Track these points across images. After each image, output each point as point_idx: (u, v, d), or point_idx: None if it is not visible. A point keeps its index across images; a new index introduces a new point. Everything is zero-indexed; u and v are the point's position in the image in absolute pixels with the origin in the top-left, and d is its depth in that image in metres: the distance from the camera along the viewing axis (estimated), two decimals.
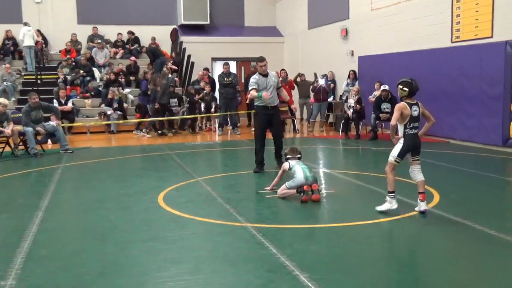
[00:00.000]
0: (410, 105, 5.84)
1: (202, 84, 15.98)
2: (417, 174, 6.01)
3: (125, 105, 16.32)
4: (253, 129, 15.65)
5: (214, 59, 20.75)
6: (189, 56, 18.75)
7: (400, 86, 5.90)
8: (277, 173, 7.22)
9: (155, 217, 5.99)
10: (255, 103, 8.83)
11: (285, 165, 6.97)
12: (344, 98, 14.99)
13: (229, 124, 15.47)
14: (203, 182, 7.91)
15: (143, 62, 18.81)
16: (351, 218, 5.95)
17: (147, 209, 6.37)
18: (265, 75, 8.75)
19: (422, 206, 5.87)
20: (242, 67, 20.83)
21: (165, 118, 14.88)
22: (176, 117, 15.32)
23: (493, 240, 4.99)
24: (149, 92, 15.33)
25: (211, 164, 10.03)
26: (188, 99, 15.65)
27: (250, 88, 8.68)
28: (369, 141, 12.61)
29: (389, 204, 5.95)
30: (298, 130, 15.25)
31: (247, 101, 15.40)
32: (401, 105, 5.82)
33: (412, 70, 13.40)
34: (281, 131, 9.27)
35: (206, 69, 17.28)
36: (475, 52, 11.37)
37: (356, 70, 15.69)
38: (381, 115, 12.73)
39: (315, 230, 5.51)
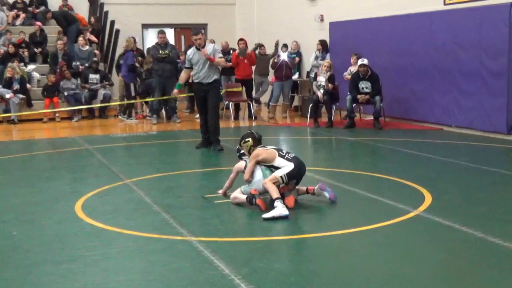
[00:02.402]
0: (264, 146, 6.85)
1: None
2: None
3: (28, 86, 15.97)
4: (197, 115, 15.76)
5: (146, 26, 20.50)
6: (112, 22, 18.48)
7: (242, 142, 6.91)
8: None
9: (71, 231, 5.90)
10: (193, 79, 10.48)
11: (240, 164, 6.97)
12: (312, 75, 15.11)
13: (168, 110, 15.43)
14: (133, 185, 7.84)
15: (52, 30, 18.43)
16: (323, 227, 6.01)
17: (60, 221, 6.27)
18: (200, 49, 10.03)
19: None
20: (182, 37, 20.70)
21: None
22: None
23: (498, 250, 5.14)
24: (140, 68, 15.30)
25: (143, 162, 9.94)
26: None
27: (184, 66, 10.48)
28: (344, 130, 12.77)
29: (278, 212, 6.13)
30: (255, 116, 15.30)
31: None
32: (254, 153, 6.72)
33: (396, 39, 13.64)
34: (214, 111, 10.35)
35: (133, 39, 17.05)
36: (473, 17, 11.66)
37: (327, 40, 15.83)
38: (358, 96, 12.90)
39: (277, 243, 5.54)
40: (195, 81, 10.40)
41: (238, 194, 6.74)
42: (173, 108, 15.07)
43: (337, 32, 15.66)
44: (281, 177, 6.50)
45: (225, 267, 4.78)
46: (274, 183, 6.47)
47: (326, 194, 6.70)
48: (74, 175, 8.89)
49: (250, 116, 15.32)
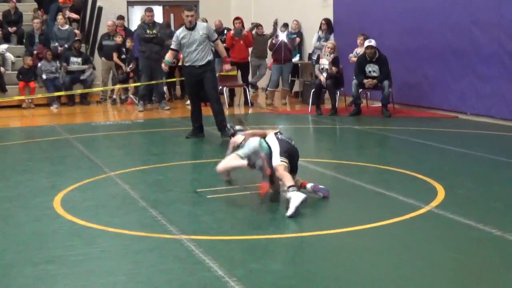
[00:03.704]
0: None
1: (118, 39, 15.81)
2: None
3: (2, 69, 15.93)
4: (188, 102, 15.73)
5: (131, 3, 20.44)
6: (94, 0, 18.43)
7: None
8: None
9: (50, 229, 5.91)
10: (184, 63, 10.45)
11: (237, 139, 7.08)
12: (314, 57, 15.09)
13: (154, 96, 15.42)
14: (118, 179, 7.85)
15: (28, 7, 18.37)
16: (325, 224, 6.03)
17: (38, 218, 6.28)
18: (191, 28, 9.96)
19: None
20: (172, 15, 20.64)
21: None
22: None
23: None
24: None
25: (129, 153, 9.94)
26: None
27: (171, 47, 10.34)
28: (349, 117, 12.78)
29: (296, 200, 6.09)
30: (252, 103, 15.29)
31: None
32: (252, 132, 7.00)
33: (407, 18, 13.63)
34: (214, 94, 10.34)
35: (121, 17, 17.03)
36: None
37: (331, 19, 15.81)
38: (365, 81, 12.90)
39: (276, 243, 5.55)
40: (186, 64, 10.34)
41: (234, 161, 6.76)
42: (162, 93, 15.05)
43: (342, 10, 15.63)
44: (282, 161, 6.51)
45: (218, 268, 4.79)
46: (284, 169, 6.44)
47: (320, 194, 6.73)
48: (53, 167, 8.88)
49: (246, 103, 15.30)
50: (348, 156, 9.18)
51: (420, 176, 7.61)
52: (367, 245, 5.41)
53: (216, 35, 10.38)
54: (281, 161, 6.50)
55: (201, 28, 10.13)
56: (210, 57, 10.27)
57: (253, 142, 6.76)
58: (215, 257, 5.01)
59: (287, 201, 6.13)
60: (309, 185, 6.76)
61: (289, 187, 6.20)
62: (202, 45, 10.07)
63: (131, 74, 15.43)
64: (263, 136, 6.82)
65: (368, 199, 6.80)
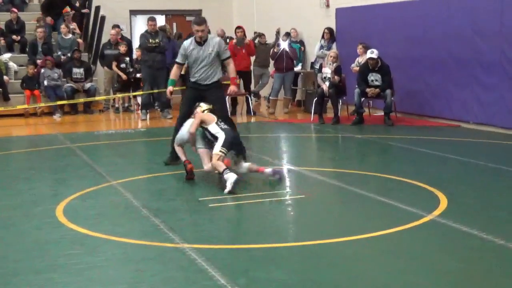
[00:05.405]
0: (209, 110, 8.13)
1: (121, 48, 15.86)
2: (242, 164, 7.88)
3: (5, 78, 15.96)
4: None
5: (134, 13, 20.49)
6: (97, 9, 18.47)
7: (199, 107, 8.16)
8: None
9: (52, 237, 5.91)
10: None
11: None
12: (316, 66, 15.12)
13: (156, 105, 15.43)
14: (120, 187, 7.85)
15: (29, 17, 18.41)
16: (328, 233, 6.02)
17: (40, 226, 6.29)
18: (201, 43, 8.75)
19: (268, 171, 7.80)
20: (174, 24, 20.70)
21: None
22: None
23: None
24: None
25: (131, 162, 9.95)
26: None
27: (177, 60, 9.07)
28: (352, 126, 12.78)
29: (230, 180, 7.16)
30: (254, 112, 15.31)
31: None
32: (201, 116, 7.91)
33: (409, 26, 13.65)
34: (224, 111, 9.16)
35: (117, 26, 17.03)
36: (494, 2, 11.66)
37: (334, 28, 15.83)
38: (367, 90, 12.91)
39: (278, 251, 5.55)
40: (191, 79, 8.97)
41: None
42: (164, 102, 15.06)
43: (345, 19, 15.65)
44: (220, 151, 7.49)
45: (220, 277, 4.79)
46: (218, 159, 7.46)
47: (277, 176, 7.72)
48: (55, 176, 8.89)
49: (248, 112, 15.31)
50: (350, 165, 9.18)
51: (422, 185, 7.61)
52: (370, 254, 5.41)
53: (228, 54, 9.01)
54: (220, 151, 7.49)
55: (212, 43, 8.78)
56: (217, 76, 8.87)
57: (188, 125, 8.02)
58: (217, 266, 5.01)
59: (224, 181, 7.22)
60: (267, 170, 7.79)
61: (223, 170, 7.28)
62: (209, 64, 8.75)
63: (142, 83, 15.47)
64: (207, 124, 7.79)
65: (371, 208, 6.80)
